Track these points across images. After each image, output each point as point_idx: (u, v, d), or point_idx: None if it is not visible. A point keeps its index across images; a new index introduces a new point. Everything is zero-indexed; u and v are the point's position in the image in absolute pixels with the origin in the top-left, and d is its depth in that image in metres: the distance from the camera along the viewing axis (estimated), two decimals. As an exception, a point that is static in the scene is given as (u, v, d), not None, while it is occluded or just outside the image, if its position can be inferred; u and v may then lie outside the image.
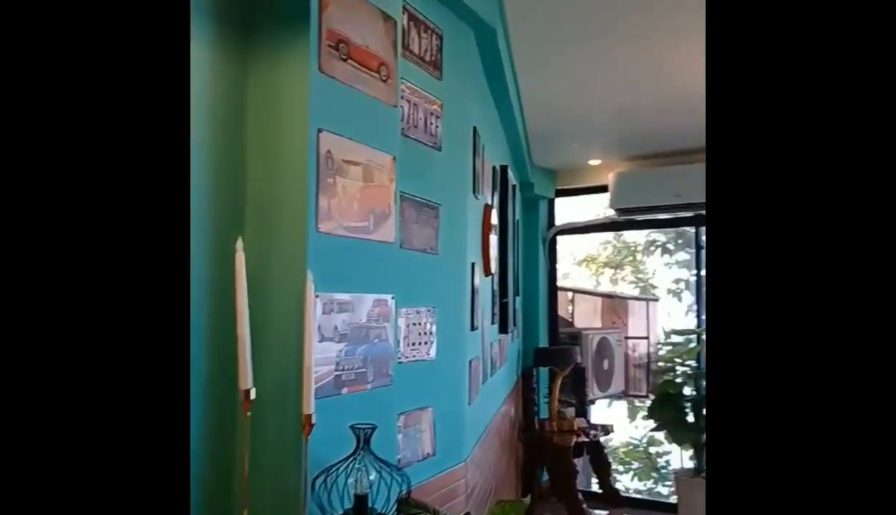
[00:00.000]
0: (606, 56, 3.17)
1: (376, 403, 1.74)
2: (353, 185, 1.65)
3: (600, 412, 5.90)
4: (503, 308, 3.67)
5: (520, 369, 4.98)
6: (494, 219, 3.22)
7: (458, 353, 2.38)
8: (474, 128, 2.63)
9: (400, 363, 1.91)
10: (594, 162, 5.25)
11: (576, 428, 4.58)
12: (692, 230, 5.57)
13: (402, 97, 1.94)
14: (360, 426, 1.49)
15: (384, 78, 1.77)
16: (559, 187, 5.58)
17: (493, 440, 3.35)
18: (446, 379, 2.25)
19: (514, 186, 4.42)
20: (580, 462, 4.68)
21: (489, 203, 3.13)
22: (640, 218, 5.40)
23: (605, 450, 4.92)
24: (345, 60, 1.64)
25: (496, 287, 3.46)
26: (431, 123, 2.13)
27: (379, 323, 1.75)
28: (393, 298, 1.81)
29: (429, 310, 2.11)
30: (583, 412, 4.88)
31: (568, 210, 6.11)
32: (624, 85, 3.58)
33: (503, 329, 3.71)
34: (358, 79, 1.68)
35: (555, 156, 5.13)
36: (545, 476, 4.78)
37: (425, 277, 2.10)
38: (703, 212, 5.03)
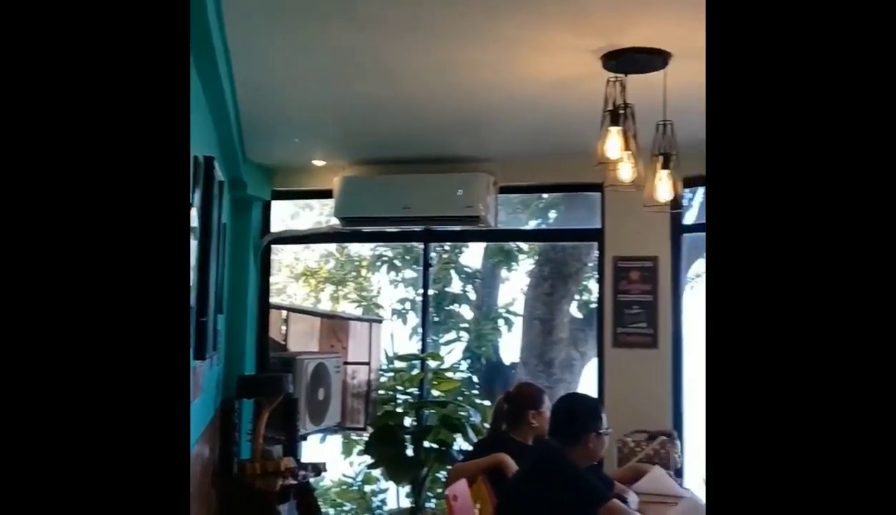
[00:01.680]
0: (334, 43, 3.15)
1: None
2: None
3: (312, 448, 5.85)
4: (201, 328, 3.45)
5: (219, 401, 4.73)
6: (195, 221, 3.02)
7: (136, 386, 2.14)
8: (171, 107, 2.42)
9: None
10: (318, 162, 5.22)
11: (283, 468, 4.46)
12: (420, 246, 5.81)
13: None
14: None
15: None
16: (277, 188, 5.45)
17: (179, 490, 3.10)
18: (117, 420, 2.01)
19: (221, 183, 4.19)
20: (286, 509, 4.57)
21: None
22: (366, 229, 5.49)
23: (315, 493, 4.87)
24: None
25: (194, 303, 3.25)
26: (112, 93, 1.90)
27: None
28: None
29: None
30: (292, 450, 4.78)
31: (286, 216, 5.99)
32: (354, 78, 3.60)
33: (200, 354, 3.48)
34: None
35: (273, 151, 5.00)
36: (244, 528, 4.57)
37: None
38: (433, 226, 5.28)
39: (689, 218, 5.80)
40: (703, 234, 6.82)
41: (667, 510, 2.92)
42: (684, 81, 3.24)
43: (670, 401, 4.79)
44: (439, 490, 5.35)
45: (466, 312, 7.93)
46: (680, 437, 4.79)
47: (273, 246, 5.66)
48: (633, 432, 4.19)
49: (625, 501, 2.78)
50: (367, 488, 6.75)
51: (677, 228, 4.91)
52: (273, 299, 5.97)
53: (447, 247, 7.71)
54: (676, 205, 3.51)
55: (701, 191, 5.96)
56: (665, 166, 3.24)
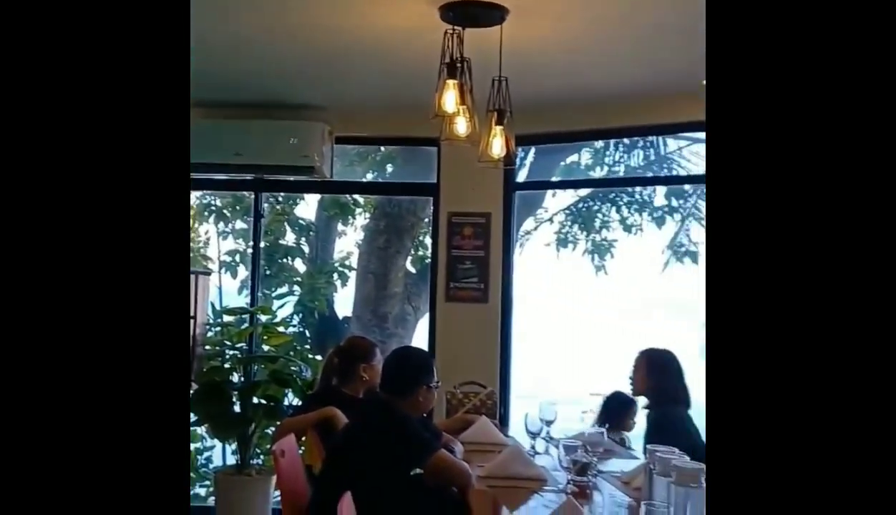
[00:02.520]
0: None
1: None
2: None
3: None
4: None
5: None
6: None
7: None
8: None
9: None
10: (139, 102, 4.88)
11: (97, 429, 4.22)
12: (251, 196, 5.62)
13: None
14: None
15: None
16: (91, 128, 5.05)
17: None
18: None
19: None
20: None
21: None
22: (193, 176, 5.22)
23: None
24: None
25: None
26: None
27: None
28: None
29: None
30: (108, 409, 4.53)
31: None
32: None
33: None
34: None
35: (87, 87, 4.61)
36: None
37: None
38: (265, 176, 5.10)
39: (521, 175, 5.99)
40: (534, 192, 7.09)
41: (491, 457, 3.05)
42: (520, 38, 3.31)
43: (498, 354, 4.97)
44: (268, 447, 5.28)
45: (300, 266, 7.79)
46: (506, 389, 5.01)
47: (87, 190, 5.26)
48: (462, 384, 4.32)
49: (452, 451, 2.86)
50: (192, 446, 6.54)
51: (509, 185, 5.05)
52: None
53: (280, 198, 7.50)
54: (509, 162, 3.60)
55: (533, 151, 6.16)
56: (499, 122, 3.31)
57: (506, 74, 3.28)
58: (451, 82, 2.99)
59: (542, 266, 8.36)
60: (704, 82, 1.12)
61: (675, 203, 7.90)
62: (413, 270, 7.55)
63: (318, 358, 5.75)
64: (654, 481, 2.11)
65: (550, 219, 8.23)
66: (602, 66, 4.04)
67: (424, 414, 3.07)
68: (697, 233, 7.90)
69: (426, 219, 6.91)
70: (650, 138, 6.96)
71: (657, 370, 3.41)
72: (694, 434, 3.26)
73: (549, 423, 3.35)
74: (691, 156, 7.28)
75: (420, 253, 7.61)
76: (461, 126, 3.16)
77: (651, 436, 3.19)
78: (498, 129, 3.32)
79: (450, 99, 2.99)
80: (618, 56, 3.86)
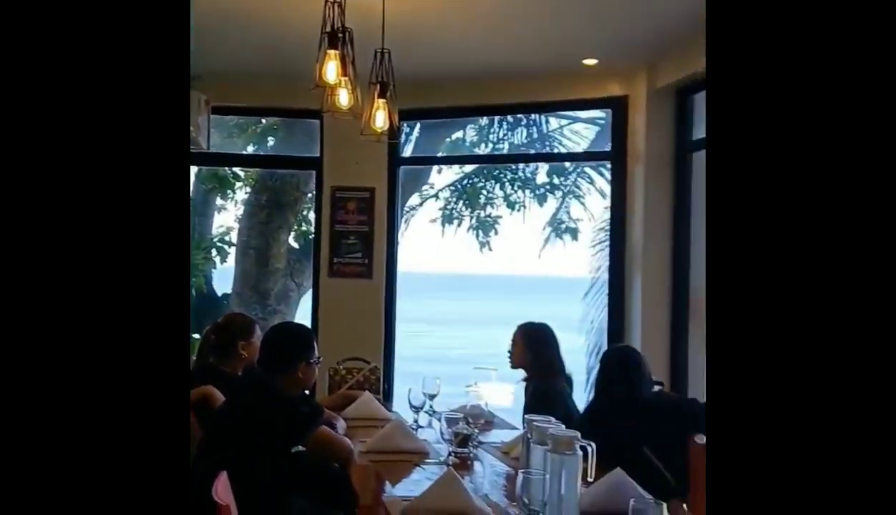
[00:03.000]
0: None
1: None
2: None
3: None
4: None
5: None
6: None
7: None
8: None
9: None
10: None
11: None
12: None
13: None
14: None
15: None
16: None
17: None
18: None
19: None
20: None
21: None
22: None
23: None
24: None
25: None
26: None
27: None
28: None
29: None
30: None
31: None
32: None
33: None
34: None
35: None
36: None
37: None
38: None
39: (407, 151, 6.00)
40: (420, 168, 7.10)
41: (373, 432, 3.06)
42: (403, 11, 3.30)
43: (382, 330, 4.98)
44: (141, 429, 5.09)
45: (175, 241, 7.51)
46: (390, 364, 5.03)
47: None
48: (346, 360, 4.31)
49: (333, 427, 2.85)
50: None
51: (394, 160, 5.04)
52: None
53: (154, 170, 7.20)
54: (393, 135, 3.59)
55: (418, 126, 6.17)
56: (382, 95, 3.29)
57: (389, 47, 3.26)
58: (332, 52, 2.93)
59: (427, 241, 8.41)
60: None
61: (556, 180, 8.13)
62: (296, 245, 7.43)
63: (196, 336, 5.58)
64: (532, 449, 2.18)
65: (436, 195, 8.29)
66: (484, 43, 4.08)
67: (306, 390, 3.04)
68: (577, 210, 8.18)
69: (309, 194, 6.81)
70: (533, 116, 7.11)
71: (534, 343, 3.50)
72: (570, 405, 3.38)
73: (431, 397, 3.39)
74: (571, 134, 7.50)
75: (303, 228, 7.50)
76: (343, 97, 3.12)
77: (530, 407, 3.29)
78: (381, 102, 3.29)
79: (331, 69, 2.94)
80: (500, 33, 3.91)
